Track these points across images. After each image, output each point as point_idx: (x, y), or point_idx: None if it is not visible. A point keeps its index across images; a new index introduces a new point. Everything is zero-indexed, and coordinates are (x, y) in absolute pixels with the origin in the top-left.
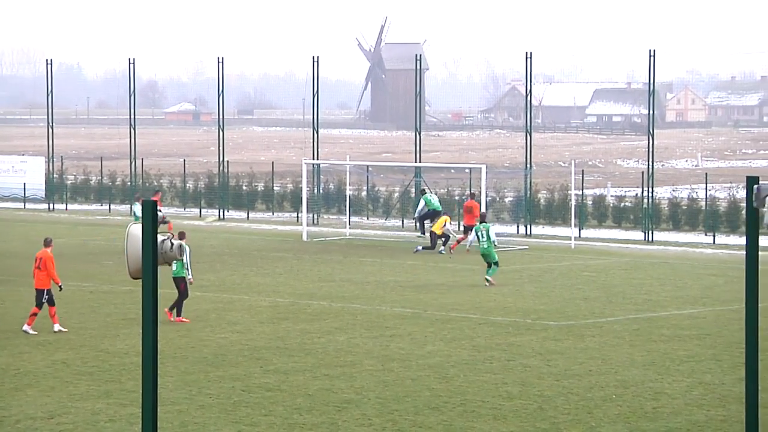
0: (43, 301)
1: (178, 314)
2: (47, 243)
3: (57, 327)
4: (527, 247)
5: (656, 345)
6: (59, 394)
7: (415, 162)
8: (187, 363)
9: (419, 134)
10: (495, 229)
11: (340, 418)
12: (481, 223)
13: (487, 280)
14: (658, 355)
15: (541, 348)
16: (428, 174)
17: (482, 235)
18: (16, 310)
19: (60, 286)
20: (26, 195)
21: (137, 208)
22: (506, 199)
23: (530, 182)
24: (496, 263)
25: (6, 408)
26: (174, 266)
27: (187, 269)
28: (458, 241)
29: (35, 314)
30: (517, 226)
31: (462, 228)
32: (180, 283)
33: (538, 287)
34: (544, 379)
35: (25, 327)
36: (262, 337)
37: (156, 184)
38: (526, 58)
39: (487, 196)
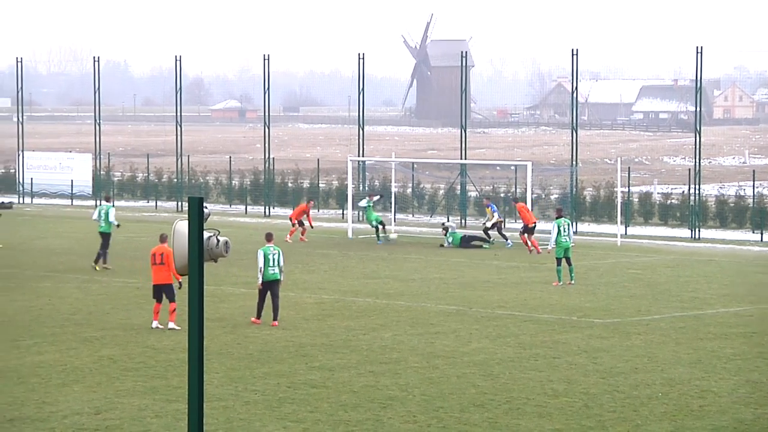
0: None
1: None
2: (163, 239)
3: (171, 325)
4: (573, 244)
5: (703, 343)
6: (106, 390)
7: (461, 159)
8: (233, 359)
9: (464, 131)
10: (540, 226)
11: (385, 415)
12: (559, 218)
13: (572, 280)
14: (704, 353)
15: (587, 345)
16: (473, 171)
17: (564, 229)
18: (63, 306)
19: (180, 283)
20: (73, 192)
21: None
22: (552, 197)
23: (576, 179)
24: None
25: (53, 404)
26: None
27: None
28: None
29: (158, 310)
30: None
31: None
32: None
33: (584, 285)
34: (590, 377)
35: (154, 323)
36: (308, 333)
37: (201, 181)
38: (572, 54)
39: (532, 194)
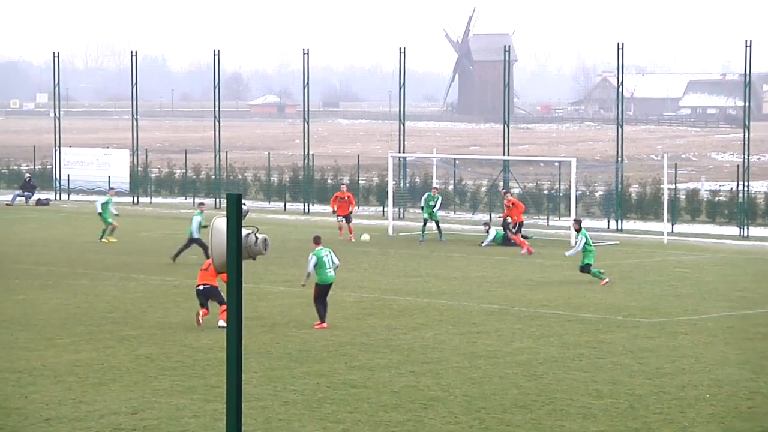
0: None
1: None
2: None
3: (221, 323)
4: (618, 242)
5: (752, 343)
6: (143, 390)
7: (503, 155)
8: (272, 359)
9: (507, 127)
10: (585, 223)
11: (426, 416)
12: (580, 230)
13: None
14: (753, 354)
15: (632, 345)
16: (516, 168)
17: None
18: (100, 304)
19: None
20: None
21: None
22: (597, 194)
23: (621, 176)
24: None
25: (90, 403)
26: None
27: (309, 274)
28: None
29: (225, 310)
30: (608, 221)
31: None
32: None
33: (630, 283)
34: (636, 378)
35: (220, 323)
36: (347, 332)
37: (240, 177)
38: (618, 48)
39: (577, 191)
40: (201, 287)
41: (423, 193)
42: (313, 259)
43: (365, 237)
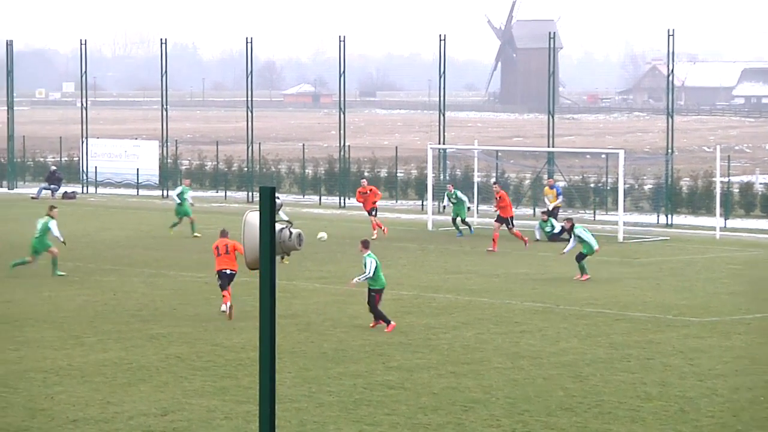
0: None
1: None
2: (224, 233)
3: (224, 307)
4: (668, 238)
5: None
6: (173, 390)
7: (548, 147)
8: (306, 359)
9: (552, 117)
10: (633, 218)
11: (467, 419)
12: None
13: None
14: None
15: (683, 346)
16: (562, 160)
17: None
18: (128, 301)
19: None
20: (139, 181)
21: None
22: (645, 187)
23: (672, 169)
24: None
25: (118, 404)
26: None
27: None
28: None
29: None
30: (657, 216)
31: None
32: None
33: (680, 281)
34: (686, 379)
35: (223, 306)
36: (385, 332)
37: (273, 169)
38: (668, 35)
39: (625, 184)
40: (228, 271)
41: (464, 186)
42: (373, 263)
43: (322, 235)
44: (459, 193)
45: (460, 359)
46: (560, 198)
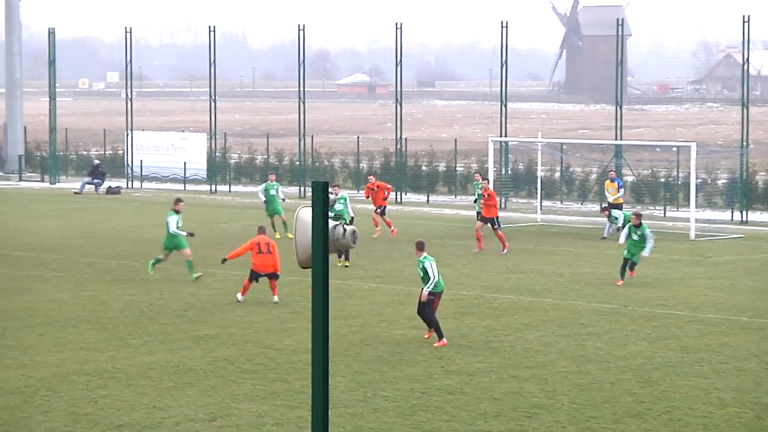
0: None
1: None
2: (261, 230)
3: (275, 298)
4: (743, 235)
5: None
6: (221, 394)
7: (615, 140)
8: (361, 362)
9: (620, 108)
10: (706, 214)
11: (530, 425)
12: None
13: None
14: None
15: (758, 349)
16: (630, 153)
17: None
18: (175, 302)
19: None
20: (186, 175)
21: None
22: (719, 182)
23: (747, 162)
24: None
25: (164, 408)
26: None
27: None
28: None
29: (248, 288)
30: (732, 212)
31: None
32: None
33: (755, 281)
34: (762, 385)
35: (240, 297)
36: (444, 333)
37: (326, 163)
38: (743, 22)
39: (697, 178)
40: (270, 273)
41: (527, 181)
42: (434, 265)
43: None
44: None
45: (522, 363)
46: (621, 191)
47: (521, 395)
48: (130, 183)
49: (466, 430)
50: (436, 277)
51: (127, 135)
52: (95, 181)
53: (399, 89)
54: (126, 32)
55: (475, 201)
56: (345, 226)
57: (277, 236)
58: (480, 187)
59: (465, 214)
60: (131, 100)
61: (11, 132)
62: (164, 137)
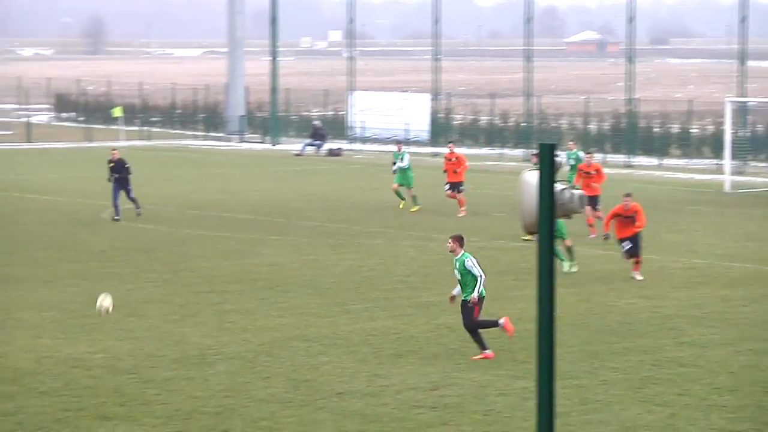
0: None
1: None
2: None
3: (638, 275)
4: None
5: None
6: (443, 364)
7: None
8: (589, 332)
9: None
10: None
11: None
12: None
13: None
14: None
15: None
16: None
17: None
18: (396, 267)
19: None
20: (409, 138)
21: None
22: None
23: None
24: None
25: (386, 377)
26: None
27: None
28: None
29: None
30: None
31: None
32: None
33: None
34: None
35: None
36: (675, 304)
37: (554, 125)
38: None
39: None
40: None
41: (767, 144)
42: (477, 262)
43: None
44: (580, 154)
45: (760, 335)
46: None
47: (759, 369)
48: (351, 145)
49: (699, 405)
50: (483, 275)
51: (349, 96)
52: (316, 142)
53: (631, 47)
54: None
55: (569, 175)
56: (573, 190)
57: (401, 206)
58: (573, 158)
59: (700, 178)
60: (353, 60)
61: (232, 92)
62: (386, 98)
